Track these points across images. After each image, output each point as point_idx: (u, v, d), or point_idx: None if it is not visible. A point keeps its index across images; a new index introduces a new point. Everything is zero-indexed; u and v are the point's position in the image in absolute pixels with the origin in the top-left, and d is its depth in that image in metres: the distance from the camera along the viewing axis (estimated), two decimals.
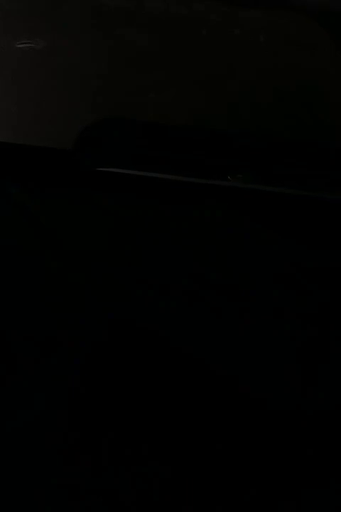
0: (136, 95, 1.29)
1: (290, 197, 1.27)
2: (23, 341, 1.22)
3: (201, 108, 1.28)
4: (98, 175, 1.27)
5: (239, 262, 1.25)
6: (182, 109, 1.29)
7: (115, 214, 1.28)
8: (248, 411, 1.18)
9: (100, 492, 1.14)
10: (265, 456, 1.17)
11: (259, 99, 1.28)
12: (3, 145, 1.29)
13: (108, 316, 1.22)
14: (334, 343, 1.21)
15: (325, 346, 1.21)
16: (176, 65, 1.30)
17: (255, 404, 1.19)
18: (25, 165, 1.32)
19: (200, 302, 1.22)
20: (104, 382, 1.19)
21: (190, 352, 1.21)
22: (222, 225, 1.27)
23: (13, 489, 1.14)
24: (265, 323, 1.21)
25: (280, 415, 1.17)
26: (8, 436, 1.15)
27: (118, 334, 1.21)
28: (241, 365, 1.20)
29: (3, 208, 1.29)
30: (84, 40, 1.31)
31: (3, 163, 1.31)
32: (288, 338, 1.22)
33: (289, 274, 1.24)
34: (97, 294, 1.23)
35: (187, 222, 1.27)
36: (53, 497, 1.14)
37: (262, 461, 1.17)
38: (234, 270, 1.24)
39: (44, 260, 1.26)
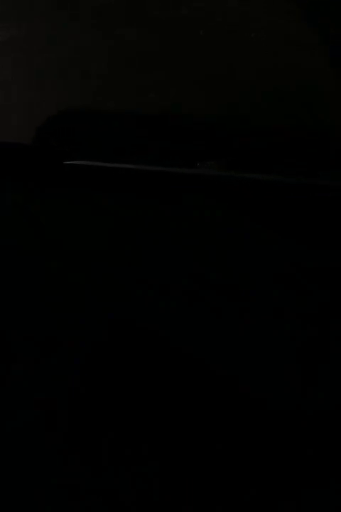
0: (136, 95, 1.29)
1: (290, 196, 1.27)
2: (23, 341, 1.22)
3: (200, 107, 1.28)
4: (98, 175, 1.27)
5: (239, 262, 1.25)
6: (182, 108, 1.28)
7: (115, 214, 1.27)
8: (248, 411, 1.18)
9: (100, 492, 1.14)
10: (265, 456, 1.17)
11: (259, 99, 1.28)
12: (2, 145, 1.29)
13: (108, 316, 1.22)
14: (334, 343, 1.21)
15: (325, 346, 1.21)
16: (176, 65, 1.30)
17: (255, 404, 1.19)
18: (25, 165, 1.32)
19: (200, 302, 1.22)
20: (104, 382, 1.19)
21: (190, 352, 1.21)
22: (221, 225, 1.27)
23: (13, 489, 1.14)
24: (265, 323, 1.21)
25: (280, 415, 1.17)
26: (8, 436, 1.15)
27: (118, 334, 1.21)
28: (241, 365, 1.20)
29: (3, 207, 1.29)
30: (84, 40, 1.31)
31: (3, 164, 1.31)
32: (288, 338, 1.22)
33: (289, 274, 1.24)
34: (97, 294, 1.23)
35: (187, 222, 1.27)
36: (53, 497, 1.14)
37: (262, 461, 1.17)
38: (234, 270, 1.24)
39: (44, 260, 1.26)
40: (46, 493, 1.14)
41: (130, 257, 1.26)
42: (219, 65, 1.29)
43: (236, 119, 1.29)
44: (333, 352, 1.20)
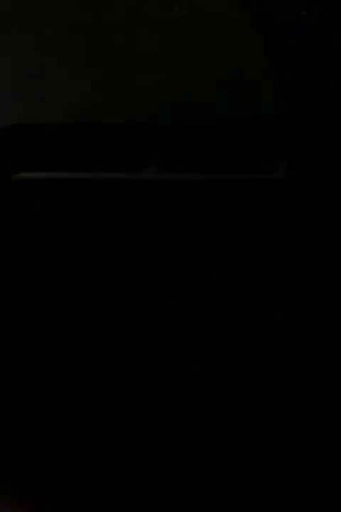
0: (135, 97, 1.29)
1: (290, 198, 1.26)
2: (23, 341, 1.22)
3: (201, 108, 1.27)
4: (96, 177, 1.26)
5: (239, 262, 1.25)
6: (183, 109, 1.28)
7: (114, 214, 1.27)
8: (248, 410, 1.19)
9: (100, 492, 1.15)
10: (265, 457, 1.17)
11: (260, 98, 1.27)
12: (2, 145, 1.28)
13: (108, 316, 1.22)
14: (335, 342, 1.21)
15: (326, 349, 1.21)
16: (176, 65, 1.29)
17: (255, 405, 1.19)
18: (26, 167, 1.31)
19: (200, 302, 1.22)
20: (104, 383, 1.19)
21: (190, 351, 1.21)
22: (221, 224, 1.26)
23: (13, 489, 1.14)
24: (266, 323, 1.21)
25: (280, 416, 1.17)
26: (8, 436, 1.16)
27: (119, 334, 1.21)
28: (242, 366, 1.20)
29: (3, 208, 1.29)
30: (81, 42, 1.31)
31: (3, 163, 1.31)
32: (288, 339, 1.22)
33: (288, 274, 1.24)
34: (97, 294, 1.23)
35: (187, 221, 1.27)
36: (53, 497, 1.14)
37: (262, 462, 1.17)
38: (234, 270, 1.24)
39: (44, 260, 1.26)
40: (46, 493, 1.14)
41: (130, 256, 1.25)
42: (219, 65, 1.29)
43: (239, 119, 1.29)
44: (335, 353, 1.20)
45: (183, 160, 1.20)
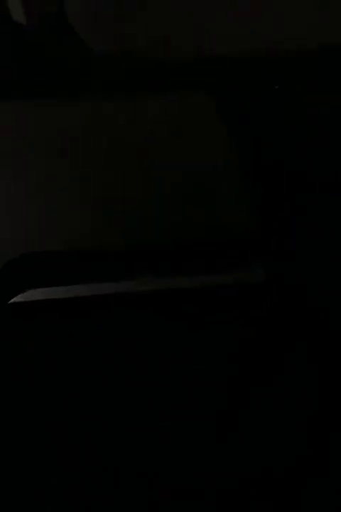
0: None
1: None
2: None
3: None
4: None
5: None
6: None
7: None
8: (247, 413, 1.19)
9: (100, 492, 1.15)
10: (266, 459, 1.18)
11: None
12: None
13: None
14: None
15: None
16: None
17: (254, 404, 1.20)
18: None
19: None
20: (103, 385, 1.19)
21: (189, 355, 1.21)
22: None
23: (13, 489, 1.14)
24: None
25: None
26: (8, 436, 1.15)
27: (118, 333, 1.21)
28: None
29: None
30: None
31: None
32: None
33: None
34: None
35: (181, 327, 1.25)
36: (53, 497, 1.14)
37: (261, 462, 1.18)
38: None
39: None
40: (46, 493, 1.14)
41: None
42: (203, 189, 1.28)
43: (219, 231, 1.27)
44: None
45: (173, 270, 1.21)
